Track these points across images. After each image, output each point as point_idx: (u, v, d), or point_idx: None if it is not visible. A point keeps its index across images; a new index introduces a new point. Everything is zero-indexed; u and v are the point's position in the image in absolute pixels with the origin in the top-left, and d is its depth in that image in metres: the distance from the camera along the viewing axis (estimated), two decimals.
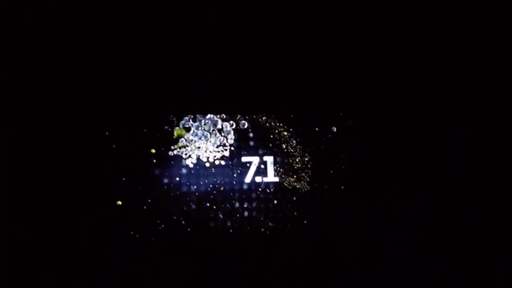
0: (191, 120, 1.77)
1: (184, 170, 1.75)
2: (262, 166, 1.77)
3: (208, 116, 1.77)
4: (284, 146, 1.81)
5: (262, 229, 1.74)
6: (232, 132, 1.77)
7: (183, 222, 1.72)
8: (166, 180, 1.74)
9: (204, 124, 1.74)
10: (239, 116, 1.82)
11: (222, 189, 1.74)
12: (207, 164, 1.75)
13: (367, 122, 1.88)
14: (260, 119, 1.83)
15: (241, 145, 1.77)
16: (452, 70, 1.91)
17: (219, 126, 1.75)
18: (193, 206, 1.72)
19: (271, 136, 1.81)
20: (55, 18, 1.85)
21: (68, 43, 1.86)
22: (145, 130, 1.79)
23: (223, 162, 1.75)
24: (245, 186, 1.75)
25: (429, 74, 1.91)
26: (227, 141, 1.76)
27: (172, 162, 1.76)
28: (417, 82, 1.90)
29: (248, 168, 1.75)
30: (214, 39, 1.90)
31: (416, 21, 1.91)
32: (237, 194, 1.74)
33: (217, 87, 1.88)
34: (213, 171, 1.75)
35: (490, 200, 1.83)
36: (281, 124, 1.85)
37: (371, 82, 1.90)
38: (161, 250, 1.72)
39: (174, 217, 1.73)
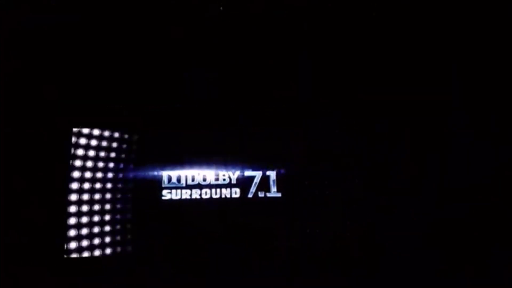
0: None
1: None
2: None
3: None
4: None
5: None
6: None
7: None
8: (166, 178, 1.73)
9: None
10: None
11: None
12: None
13: (366, 122, 1.88)
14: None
15: None
16: (452, 70, 1.91)
17: None
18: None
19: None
20: (55, 18, 1.85)
21: (68, 43, 1.86)
22: (145, 130, 1.80)
23: None
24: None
25: (429, 74, 1.91)
26: None
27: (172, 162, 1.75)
28: (417, 82, 1.90)
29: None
30: (214, 39, 1.90)
31: (416, 22, 1.91)
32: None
33: (217, 87, 1.88)
34: None
35: (490, 200, 1.83)
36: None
37: (371, 82, 1.90)
38: (162, 251, 1.72)
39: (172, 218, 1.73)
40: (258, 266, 1.71)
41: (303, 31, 1.91)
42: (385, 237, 1.77)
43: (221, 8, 1.86)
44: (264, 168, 1.74)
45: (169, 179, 1.70)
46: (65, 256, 1.66)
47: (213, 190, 1.71)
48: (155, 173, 1.71)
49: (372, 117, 1.88)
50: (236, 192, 1.71)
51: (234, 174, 1.72)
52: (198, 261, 1.70)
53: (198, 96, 1.86)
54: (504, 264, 1.74)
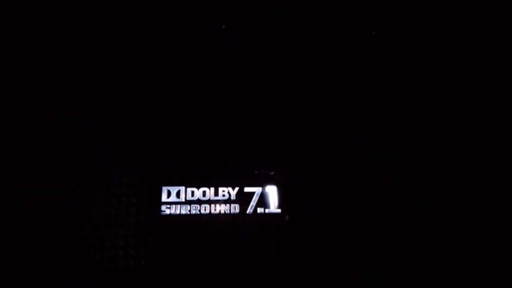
0: None
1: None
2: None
3: None
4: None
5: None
6: None
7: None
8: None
9: None
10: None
11: None
12: None
13: (368, 123, 1.89)
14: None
15: None
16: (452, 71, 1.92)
17: None
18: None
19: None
20: (55, 18, 1.85)
21: (68, 43, 1.85)
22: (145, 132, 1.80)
23: None
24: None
25: (430, 74, 1.92)
26: None
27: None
28: (416, 83, 1.90)
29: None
30: (213, 40, 1.89)
31: (416, 22, 1.91)
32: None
33: (216, 87, 1.87)
34: None
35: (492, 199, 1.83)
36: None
37: (370, 82, 1.90)
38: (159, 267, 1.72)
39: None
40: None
41: (303, 31, 1.91)
42: (386, 249, 1.78)
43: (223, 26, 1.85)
44: (264, 184, 1.74)
45: (169, 194, 1.70)
46: (64, 270, 1.67)
47: (212, 205, 1.72)
48: (155, 188, 1.72)
49: (371, 119, 1.89)
50: (235, 208, 1.71)
51: (233, 190, 1.73)
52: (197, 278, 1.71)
53: (197, 99, 1.85)
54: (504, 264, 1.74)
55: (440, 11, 1.87)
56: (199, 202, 1.71)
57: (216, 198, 1.72)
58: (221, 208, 1.72)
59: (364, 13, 1.88)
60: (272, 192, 1.75)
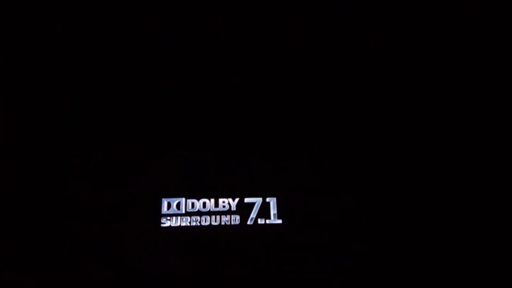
0: None
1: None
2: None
3: None
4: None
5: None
6: None
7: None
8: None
9: None
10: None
11: None
12: None
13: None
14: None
15: None
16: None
17: None
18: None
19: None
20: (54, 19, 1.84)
21: (67, 45, 1.85)
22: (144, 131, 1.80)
23: None
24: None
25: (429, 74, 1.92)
26: None
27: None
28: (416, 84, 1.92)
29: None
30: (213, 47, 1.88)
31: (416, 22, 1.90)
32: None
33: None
34: None
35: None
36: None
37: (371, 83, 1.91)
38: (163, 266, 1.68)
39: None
40: None
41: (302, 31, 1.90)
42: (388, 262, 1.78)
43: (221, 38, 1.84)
44: (264, 195, 1.73)
45: (168, 206, 1.69)
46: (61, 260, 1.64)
47: (213, 217, 1.70)
48: (154, 200, 1.70)
49: (371, 121, 1.89)
50: (236, 219, 1.70)
51: (234, 201, 1.72)
52: None
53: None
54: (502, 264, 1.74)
55: (440, 11, 1.86)
56: (199, 213, 1.70)
57: (217, 209, 1.71)
58: (222, 220, 1.70)
59: (364, 14, 1.87)
60: (272, 202, 1.73)
